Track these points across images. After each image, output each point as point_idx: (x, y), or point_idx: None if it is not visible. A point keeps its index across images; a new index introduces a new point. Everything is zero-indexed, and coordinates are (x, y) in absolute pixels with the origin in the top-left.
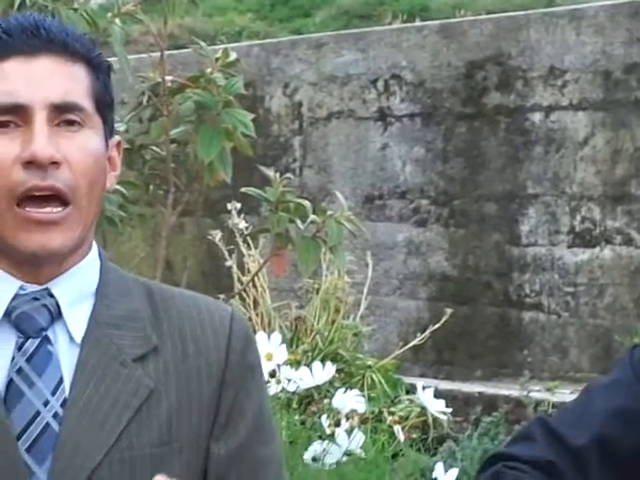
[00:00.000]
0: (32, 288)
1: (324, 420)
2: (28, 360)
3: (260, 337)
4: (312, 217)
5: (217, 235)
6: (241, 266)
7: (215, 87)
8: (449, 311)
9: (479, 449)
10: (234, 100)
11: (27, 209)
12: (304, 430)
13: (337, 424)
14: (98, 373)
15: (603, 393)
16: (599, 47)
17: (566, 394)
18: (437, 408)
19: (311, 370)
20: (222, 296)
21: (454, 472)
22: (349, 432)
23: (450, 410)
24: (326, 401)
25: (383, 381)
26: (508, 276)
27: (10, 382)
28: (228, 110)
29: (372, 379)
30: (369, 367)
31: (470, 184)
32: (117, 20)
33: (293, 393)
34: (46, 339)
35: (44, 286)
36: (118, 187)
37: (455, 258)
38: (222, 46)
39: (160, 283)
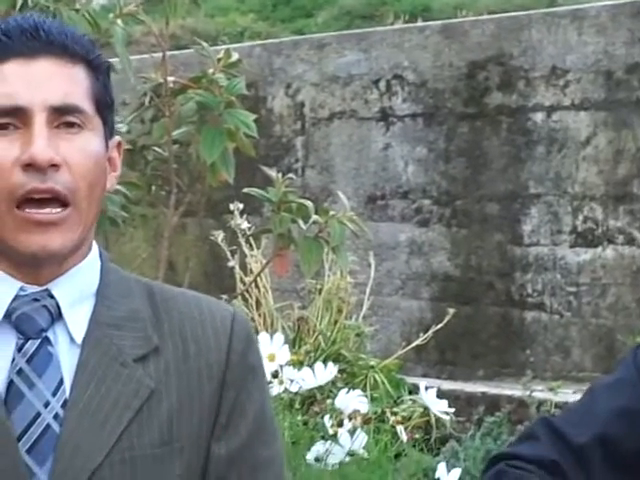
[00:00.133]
0: (32, 289)
1: (327, 420)
2: (28, 361)
3: (263, 338)
4: (314, 217)
5: (219, 236)
6: (243, 266)
7: (217, 88)
8: (451, 311)
9: (482, 449)
10: (236, 101)
11: (27, 210)
12: (307, 430)
13: (340, 424)
14: (99, 374)
15: (607, 393)
16: (601, 47)
17: (569, 394)
18: (440, 408)
19: (314, 370)
20: (225, 297)
21: (457, 472)
22: (352, 432)
23: (453, 410)
24: (329, 401)
25: (386, 381)
26: (510, 276)
27: (10, 383)
28: (230, 111)
29: (375, 379)
30: (372, 367)
31: (472, 184)
32: (119, 21)
33: (296, 393)
34: (46, 340)
35: (44, 287)
36: (120, 188)
37: (457, 258)
38: (224, 46)
39: (162, 283)
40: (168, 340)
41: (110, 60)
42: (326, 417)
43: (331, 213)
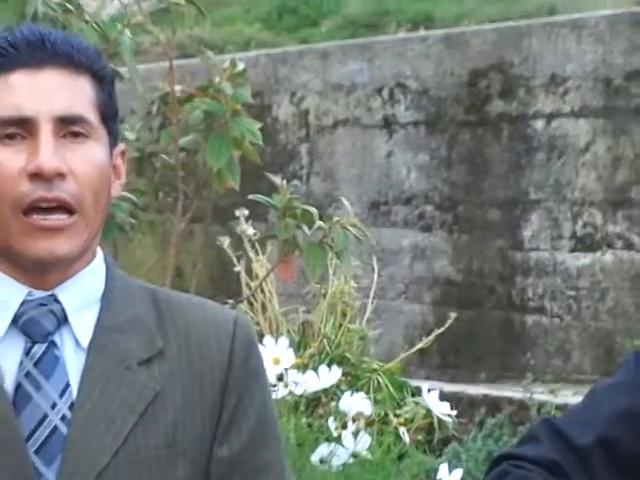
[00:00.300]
0: (39, 294)
1: (331, 423)
2: (36, 364)
3: (268, 341)
4: (319, 223)
5: (226, 241)
6: (249, 272)
7: (223, 96)
8: (454, 315)
9: (483, 450)
10: (242, 109)
11: (34, 217)
12: (311, 432)
13: (344, 426)
14: (104, 377)
15: (608, 395)
16: (599, 55)
17: (569, 396)
18: (442, 410)
19: (318, 373)
20: (231, 301)
21: (459, 473)
22: (356, 434)
23: (455, 412)
24: (333, 404)
25: (389, 384)
26: (511, 280)
27: (19, 386)
28: (236, 119)
29: (378, 382)
30: (375, 370)
31: (474, 190)
32: (127, 31)
33: (300, 396)
34: (53, 344)
35: (50, 292)
36: (129, 195)
37: (459, 263)
38: (230, 55)
39: (167, 289)
40: (172, 344)
41: (118, 69)
42: (330, 419)
43: (335, 219)
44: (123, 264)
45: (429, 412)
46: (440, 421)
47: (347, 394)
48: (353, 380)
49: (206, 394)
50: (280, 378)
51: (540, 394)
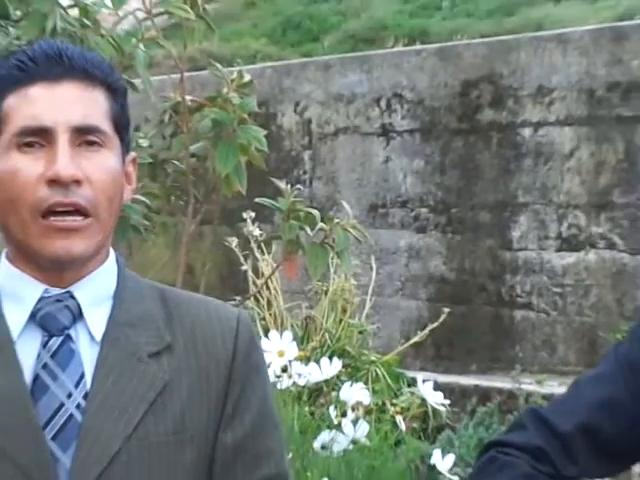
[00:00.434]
0: (55, 291)
1: (332, 411)
2: (52, 356)
3: (273, 335)
4: (320, 225)
5: (233, 242)
6: (255, 270)
7: (231, 106)
8: (447, 310)
9: (474, 437)
10: (248, 118)
11: (51, 219)
12: (313, 420)
13: (344, 415)
14: (117, 368)
15: (590, 385)
16: (583, 68)
17: (554, 386)
18: (436, 400)
19: (320, 365)
20: (238, 298)
21: (451, 458)
22: (355, 422)
23: (448, 401)
24: (334, 394)
25: (386, 375)
26: (501, 278)
27: (36, 377)
28: (243, 127)
29: (376, 373)
30: (373, 362)
31: (466, 194)
32: (141, 45)
33: (303, 387)
34: (68, 337)
35: (66, 289)
36: (143, 198)
37: (452, 262)
38: (238, 68)
39: (174, 289)
40: (180, 339)
41: (133, 81)
42: (331, 408)
43: (336, 221)
44: (138, 262)
45: (424, 401)
46: (434, 410)
47: (347, 384)
48: (353, 371)
49: (211, 386)
50: (284, 369)
51: (527, 384)
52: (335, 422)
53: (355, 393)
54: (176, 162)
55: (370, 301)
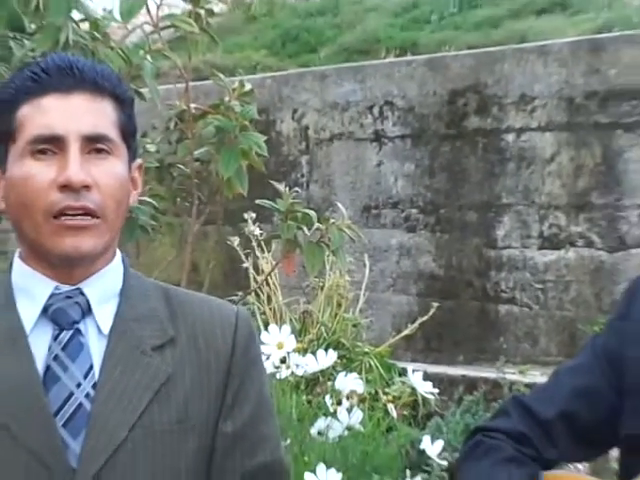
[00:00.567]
0: (66, 288)
1: (328, 400)
2: (63, 348)
3: (272, 328)
4: (317, 225)
5: (235, 241)
6: (256, 267)
7: (233, 113)
8: (436, 305)
9: (462, 423)
10: (249, 124)
11: (62, 218)
12: (310, 408)
13: (339, 403)
14: (123, 361)
15: (569, 375)
16: (563, 77)
17: (536, 376)
18: (425, 389)
19: (316, 357)
20: (240, 293)
21: (440, 444)
22: (349, 410)
23: (437, 390)
24: (329, 383)
25: (379, 366)
26: (486, 274)
27: (48, 368)
28: (244, 133)
29: (369, 364)
30: (367, 354)
31: (453, 195)
32: (148, 56)
33: (301, 377)
34: (78, 331)
35: (76, 286)
36: (150, 200)
37: (441, 259)
38: (239, 78)
39: (177, 288)
40: (182, 334)
41: (141, 90)
42: (327, 397)
43: (331, 221)
44: (146, 261)
45: (414, 390)
46: (424, 398)
47: (342, 375)
48: (347, 362)
49: (212, 378)
50: (283, 361)
51: (511, 374)
52: (331, 410)
53: (349, 383)
54: (181, 166)
55: (363, 296)
